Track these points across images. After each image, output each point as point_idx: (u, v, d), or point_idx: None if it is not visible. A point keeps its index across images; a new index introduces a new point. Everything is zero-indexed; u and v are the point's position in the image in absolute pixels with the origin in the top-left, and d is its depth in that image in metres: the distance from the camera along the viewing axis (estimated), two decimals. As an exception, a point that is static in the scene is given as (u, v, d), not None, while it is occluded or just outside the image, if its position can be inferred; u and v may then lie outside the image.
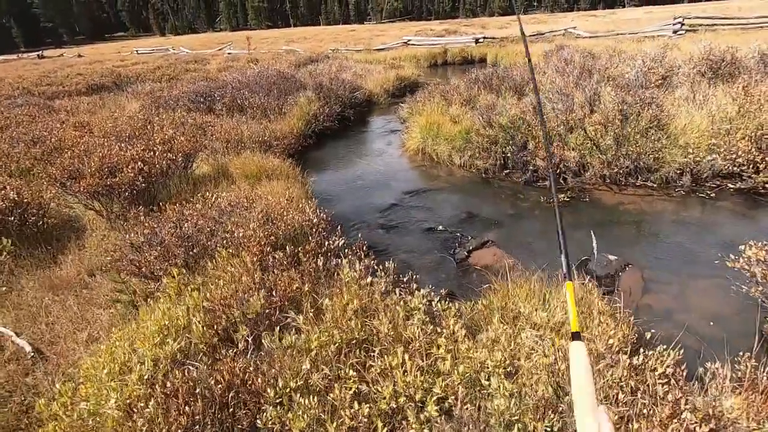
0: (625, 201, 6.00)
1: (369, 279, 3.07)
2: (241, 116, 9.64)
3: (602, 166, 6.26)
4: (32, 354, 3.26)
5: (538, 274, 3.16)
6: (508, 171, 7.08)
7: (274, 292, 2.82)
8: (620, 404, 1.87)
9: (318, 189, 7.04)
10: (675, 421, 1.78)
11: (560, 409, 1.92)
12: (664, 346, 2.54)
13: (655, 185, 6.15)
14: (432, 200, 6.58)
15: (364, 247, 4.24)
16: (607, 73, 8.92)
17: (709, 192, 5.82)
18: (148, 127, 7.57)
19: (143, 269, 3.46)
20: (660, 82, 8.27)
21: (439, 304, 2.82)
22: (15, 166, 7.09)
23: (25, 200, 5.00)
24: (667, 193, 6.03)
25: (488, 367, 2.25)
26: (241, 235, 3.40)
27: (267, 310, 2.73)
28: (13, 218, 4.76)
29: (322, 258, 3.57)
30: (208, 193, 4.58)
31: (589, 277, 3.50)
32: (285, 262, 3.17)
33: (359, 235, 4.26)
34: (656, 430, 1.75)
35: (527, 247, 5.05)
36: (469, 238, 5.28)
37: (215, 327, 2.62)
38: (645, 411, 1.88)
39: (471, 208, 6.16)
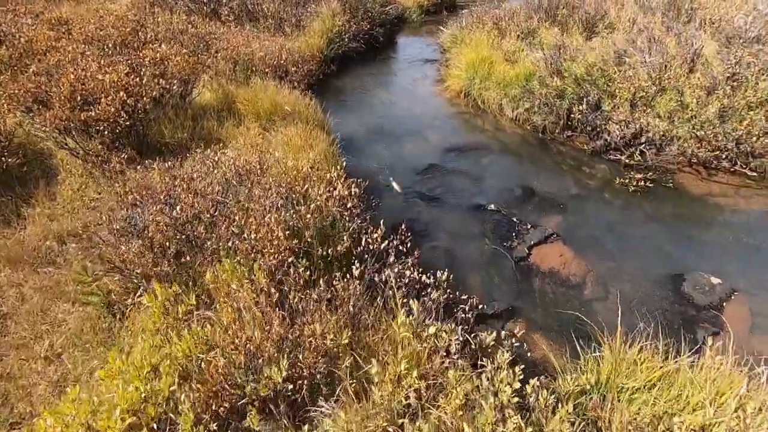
0: (715, 191, 4.92)
1: (432, 329, 2.18)
2: (251, 27, 8.07)
3: (696, 142, 5.06)
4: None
5: (662, 342, 2.26)
6: (571, 133, 5.87)
7: (299, 356, 1.94)
8: None
9: (339, 133, 5.83)
10: None
11: None
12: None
13: (754, 174, 5.02)
14: (478, 163, 5.48)
15: (408, 243, 3.27)
16: (703, 14, 7.21)
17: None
18: (140, 33, 6.17)
19: (121, 268, 2.56)
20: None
21: (535, 393, 1.95)
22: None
23: (-21, 129, 3.95)
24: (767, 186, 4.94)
25: None
26: (253, 237, 2.43)
27: (289, 385, 1.88)
28: (-38, 154, 3.77)
29: (358, 266, 2.67)
30: (208, 150, 3.51)
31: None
32: (315, 297, 2.24)
33: (402, 226, 3.24)
34: None
35: (599, 246, 4.10)
36: (529, 226, 4.30)
37: (213, 408, 1.79)
38: None
39: (526, 179, 5.09)
